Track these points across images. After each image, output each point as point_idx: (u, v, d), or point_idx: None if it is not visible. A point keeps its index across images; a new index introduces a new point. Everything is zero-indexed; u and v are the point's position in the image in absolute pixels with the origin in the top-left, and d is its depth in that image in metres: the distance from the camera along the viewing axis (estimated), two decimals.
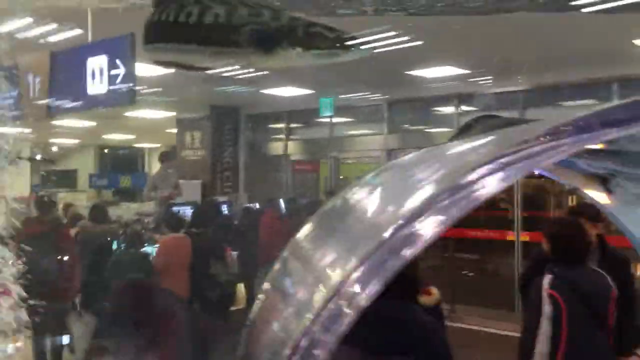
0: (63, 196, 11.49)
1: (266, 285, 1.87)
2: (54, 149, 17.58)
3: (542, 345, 2.92)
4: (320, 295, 1.26)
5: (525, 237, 8.92)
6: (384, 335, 2.16)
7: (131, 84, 3.93)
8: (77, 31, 4.60)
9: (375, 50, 6.98)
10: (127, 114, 11.11)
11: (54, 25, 4.48)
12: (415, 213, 1.31)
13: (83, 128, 13.17)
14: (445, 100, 10.22)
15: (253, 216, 9.39)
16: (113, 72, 4.04)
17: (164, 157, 9.53)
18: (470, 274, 9.91)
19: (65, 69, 4.40)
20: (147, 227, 7.68)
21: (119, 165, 18.86)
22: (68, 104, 4.38)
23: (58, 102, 4.40)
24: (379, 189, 1.98)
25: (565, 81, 8.67)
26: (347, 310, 1.22)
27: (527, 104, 9.46)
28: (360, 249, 1.29)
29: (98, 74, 4.09)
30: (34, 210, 6.36)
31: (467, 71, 8.47)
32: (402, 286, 1.96)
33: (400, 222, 1.30)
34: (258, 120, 11.87)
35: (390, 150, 10.65)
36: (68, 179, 17.84)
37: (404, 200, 1.49)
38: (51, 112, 4.48)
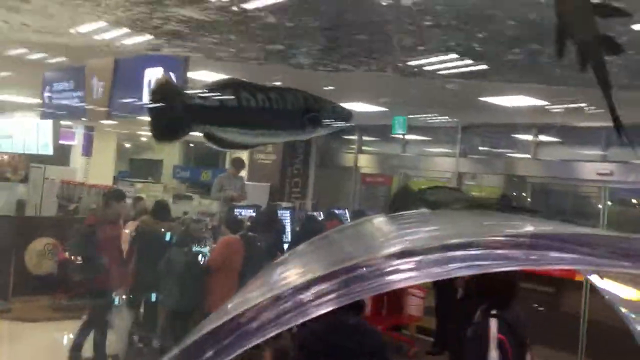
0: (140, 187, 12.04)
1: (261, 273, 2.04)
2: (143, 139, 18.39)
3: None
4: (271, 294, 1.36)
5: None
6: (344, 344, 2.60)
7: None
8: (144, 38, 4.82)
9: (444, 72, 6.97)
10: None
11: (124, 31, 4.71)
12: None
13: None
14: (522, 128, 9.91)
15: (316, 225, 9.45)
16: None
17: (236, 162, 9.82)
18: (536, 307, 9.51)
19: (125, 75, 4.64)
20: (206, 226, 7.91)
21: (202, 159, 19.51)
22: (125, 107, 4.62)
23: (117, 105, 4.64)
24: (354, 236, 2.17)
25: None
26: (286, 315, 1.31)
27: (608, 143, 9.01)
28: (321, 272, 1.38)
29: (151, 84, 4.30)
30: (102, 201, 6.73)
31: (544, 102, 8.16)
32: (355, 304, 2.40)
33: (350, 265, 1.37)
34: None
35: (462, 173, 10.49)
36: (153, 169, 18.66)
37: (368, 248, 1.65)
38: (111, 114, 4.74)
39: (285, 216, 9.78)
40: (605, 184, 9.03)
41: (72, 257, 6.23)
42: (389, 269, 1.34)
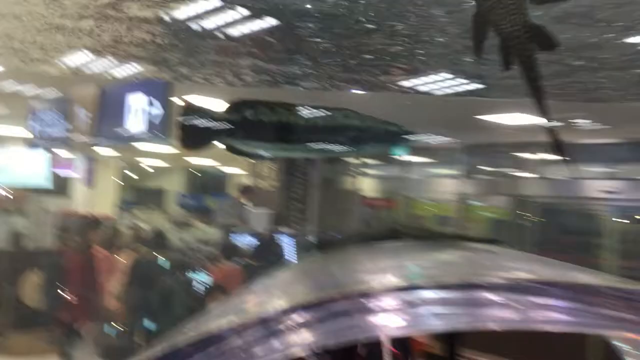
0: (143, 215, 11.92)
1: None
2: (147, 168, 18.39)
3: None
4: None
5: None
6: None
7: (164, 123, 4.04)
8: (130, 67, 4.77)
9: (446, 93, 6.88)
10: None
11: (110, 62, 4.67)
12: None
13: (168, 153, 13.65)
14: (526, 147, 9.77)
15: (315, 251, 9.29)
16: (150, 110, 4.17)
17: (244, 190, 9.77)
18: None
19: (109, 103, 4.57)
20: (204, 254, 7.79)
21: (205, 187, 19.50)
22: (110, 136, 4.55)
23: (102, 134, 4.58)
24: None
25: None
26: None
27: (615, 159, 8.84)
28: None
29: (136, 111, 4.24)
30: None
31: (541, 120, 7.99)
32: None
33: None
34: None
35: (464, 194, 10.35)
36: (157, 198, 18.63)
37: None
38: (96, 143, 4.67)
39: (286, 242, 9.65)
40: (611, 202, 8.85)
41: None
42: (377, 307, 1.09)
